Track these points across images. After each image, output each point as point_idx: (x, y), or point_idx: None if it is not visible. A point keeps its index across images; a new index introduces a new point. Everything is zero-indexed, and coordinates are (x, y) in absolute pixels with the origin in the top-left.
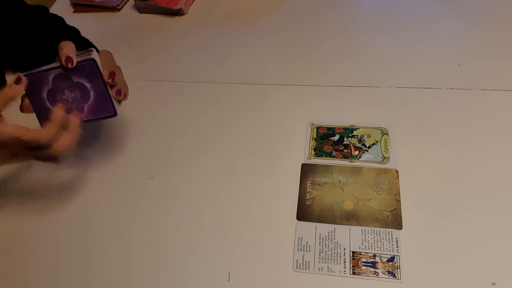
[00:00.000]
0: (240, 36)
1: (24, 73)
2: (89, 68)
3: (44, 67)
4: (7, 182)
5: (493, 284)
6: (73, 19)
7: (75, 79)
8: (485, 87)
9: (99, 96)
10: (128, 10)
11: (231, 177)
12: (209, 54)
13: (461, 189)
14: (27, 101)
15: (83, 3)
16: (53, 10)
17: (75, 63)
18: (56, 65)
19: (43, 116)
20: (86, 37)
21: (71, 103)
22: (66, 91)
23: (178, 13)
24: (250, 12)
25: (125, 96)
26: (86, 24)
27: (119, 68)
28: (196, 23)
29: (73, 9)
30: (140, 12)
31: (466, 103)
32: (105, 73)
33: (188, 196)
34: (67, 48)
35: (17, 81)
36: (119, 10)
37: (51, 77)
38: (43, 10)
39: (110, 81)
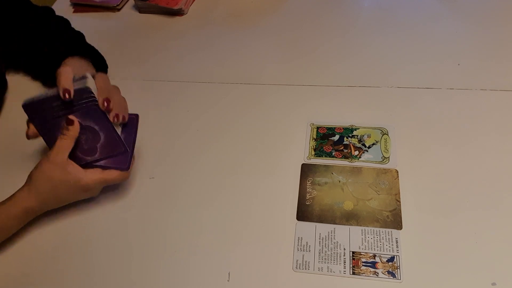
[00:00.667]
0: (240, 36)
1: (27, 102)
2: (94, 112)
3: (44, 95)
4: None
5: (493, 284)
6: (73, 19)
7: (84, 123)
8: (485, 87)
9: (108, 136)
10: (128, 10)
11: (231, 177)
12: (209, 54)
13: (461, 189)
14: (32, 128)
15: (83, 3)
16: None
17: (72, 95)
18: (55, 94)
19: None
20: (86, 37)
21: (84, 144)
22: (80, 134)
23: (178, 13)
24: (250, 12)
25: (124, 119)
26: (86, 24)
27: (116, 88)
28: (196, 23)
29: (73, 9)
30: (140, 12)
31: (466, 103)
32: (100, 101)
33: (188, 196)
34: (64, 78)
35: (69, 122)
36: (119, 10)
37: (58, 114)
38: (49, 11)
39: (105, 107)
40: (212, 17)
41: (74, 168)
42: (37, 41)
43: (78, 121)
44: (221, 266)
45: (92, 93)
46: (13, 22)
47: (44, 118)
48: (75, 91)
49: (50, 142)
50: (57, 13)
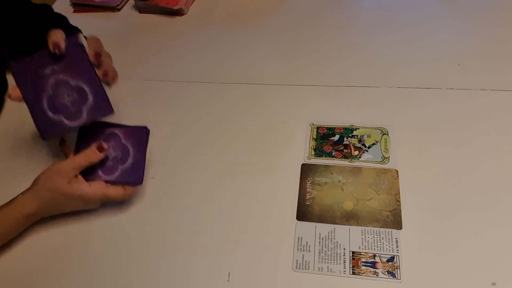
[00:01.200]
0: (240, 36)
1: (14, 62)
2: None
3: (33, 55)
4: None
5: (493, 284)
6: (73, 19)
7: (73, 82)
8: (485, 87)
9: (97, 96)
10: (128, 10)
11: (231, 177)
12: (209, 54)
13: (461, 189)
14: (16, 89)
15: (83, 3)
16: None
17: (63, 49)
18: (45, 52)
19: (47, 129)
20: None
21: (71, 107)
22: (65, 95)
23: (178, 13)
24: (250, 12)
25: (114, 79)
26: (86, 24)
27: (109, 54)
28: (196, 23)
29: (73, 9)
30: (140, 12)
31: (466, 103)
32: (90, 53)
33: (188, 196)
34: (55, 34)
35: (100, 149)
36: (119, 10)
37: (50, 81)
38: (47, 9)
39: (95, 60)
40: (212, 17)
41: (79, 182)
42: (36, 37)
43: (109, 146)
44: (221, 266)
45: (84, 48)
46: (13, 22)
47: (30, 78)
48: (66, 46)
49: (32, 105)
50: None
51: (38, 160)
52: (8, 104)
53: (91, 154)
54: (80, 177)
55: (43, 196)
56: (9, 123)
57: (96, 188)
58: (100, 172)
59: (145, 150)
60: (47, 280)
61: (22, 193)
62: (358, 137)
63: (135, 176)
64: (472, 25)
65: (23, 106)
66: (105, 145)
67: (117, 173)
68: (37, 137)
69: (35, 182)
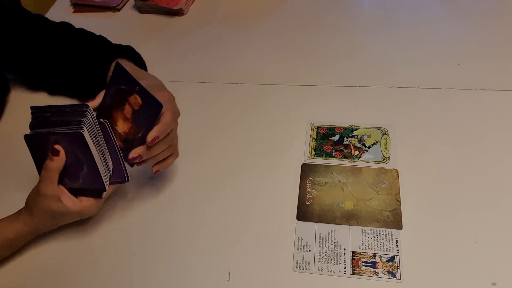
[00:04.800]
0: (240, 36)
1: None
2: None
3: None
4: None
5: (493, 284)
6: (73, 19)
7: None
8: (485, 87)
9: (91, 169)
10: (128, 10)
11: (231, 177)
12: (209, 54)
13: (461, 189)
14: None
15: (83, 3)
16: (53, 10)
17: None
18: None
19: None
20: None
21: (69, 168)
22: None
23: (178, 13)
24: (250, 12)
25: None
26: (86, 24)
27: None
28: (196, 23)
29: (73, 9)
30: (140, 12)
31: (466, 103)
32: (149, 135)
33: (188, 196)
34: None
35: (54, 153)
36: (119, 10)
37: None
38: (69, 26)
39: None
40: (212, 17)
41: (67, 199)
42: (73, 57)
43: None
44: (221, 266)
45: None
46: (33, 40)
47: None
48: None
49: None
50: (57, 14)
51: None
52: (10, 105)
53: (51, 163)
54: (66, 192)
55: (38, 218)
56: (11, 125)
57: (86, 201)
58: (66, 179)
59: (92, 155)
60: (48, 279)
61: (16, 214)
62: (358, 137)
63: (98, 183)
64: (472, 25)
65: (25, 108)
66: (57, 147)
67: (80, 180)
68: None
69: (27, 207)
